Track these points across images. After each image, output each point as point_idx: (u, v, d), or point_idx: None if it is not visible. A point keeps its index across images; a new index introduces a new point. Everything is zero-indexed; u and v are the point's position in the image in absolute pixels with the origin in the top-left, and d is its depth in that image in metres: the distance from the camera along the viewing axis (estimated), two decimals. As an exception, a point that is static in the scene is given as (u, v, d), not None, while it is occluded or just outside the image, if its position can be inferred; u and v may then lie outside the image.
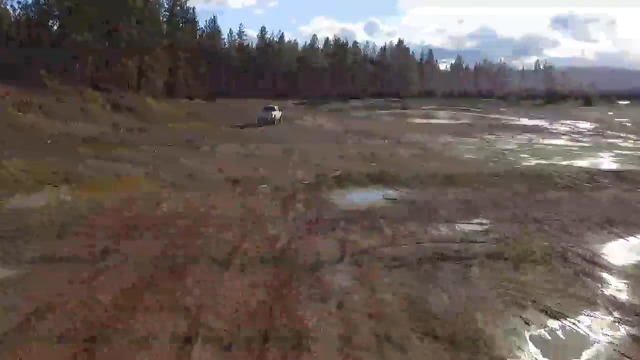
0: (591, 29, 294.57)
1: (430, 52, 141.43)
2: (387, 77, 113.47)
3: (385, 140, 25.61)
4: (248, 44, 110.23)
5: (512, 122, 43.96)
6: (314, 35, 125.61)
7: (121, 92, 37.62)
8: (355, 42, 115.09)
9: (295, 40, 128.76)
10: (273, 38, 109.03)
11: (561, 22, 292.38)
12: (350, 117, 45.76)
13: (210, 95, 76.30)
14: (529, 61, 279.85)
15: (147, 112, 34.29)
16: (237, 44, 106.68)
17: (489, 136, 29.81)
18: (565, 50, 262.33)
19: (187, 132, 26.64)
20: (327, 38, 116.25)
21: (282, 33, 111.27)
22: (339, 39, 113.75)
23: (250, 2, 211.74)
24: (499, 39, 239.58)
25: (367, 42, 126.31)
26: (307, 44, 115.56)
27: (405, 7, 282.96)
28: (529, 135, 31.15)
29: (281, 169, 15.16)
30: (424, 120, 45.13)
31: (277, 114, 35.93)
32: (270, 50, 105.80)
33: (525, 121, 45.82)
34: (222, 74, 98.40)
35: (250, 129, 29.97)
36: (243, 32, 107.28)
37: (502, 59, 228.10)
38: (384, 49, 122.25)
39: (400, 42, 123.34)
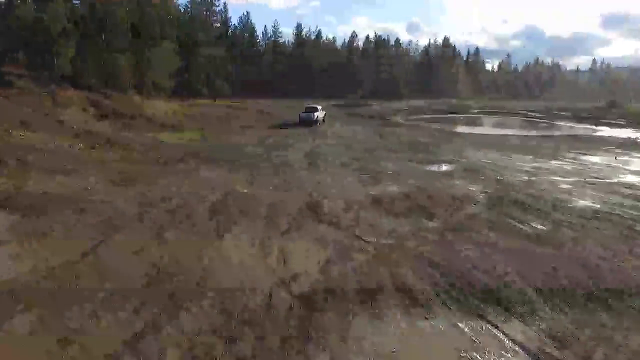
0: None
1: (477, 50, 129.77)
2: (432, 77, 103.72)
3: (451, 165, 17.31)
4: (284, 42, 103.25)
5: (596, 134, 34.27)
6: (354, 31, 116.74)
7: (108, 91, 30.81)
8: (397, 40, 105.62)
9: (333, 37, 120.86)
10: (309, 35, 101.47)
11: (613, 20, 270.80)
12: (394, 125, 37.30)
13: (237, 96, 69.85)
14: (578, 61, 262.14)
15: (132, 117, 27.25)
16: (272, 43, 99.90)
17: (589, 158, 20.66)
18: (618, 49, 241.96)
19: (167, 149, 19.29)
20: (368, 35, 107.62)
21: (320, 29, 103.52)
22: (379, 36, 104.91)
23: (292, 3, 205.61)
24: (546, 39, 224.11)
25: (410, 41, 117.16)
26: (346, 41, 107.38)
27: (448, 7, 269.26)
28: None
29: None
30: (484, 131, 36.15)
31: (319, 114, 34.08)
32: (306, 49, 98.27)
33: (610, 131, 36.12)
34: (254, 73, 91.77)
35: (255, 149, 21.14)
36: (278, 29, 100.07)
37: (554, 58, 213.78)
38: (428, 46, 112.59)
39: (447, 39, 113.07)
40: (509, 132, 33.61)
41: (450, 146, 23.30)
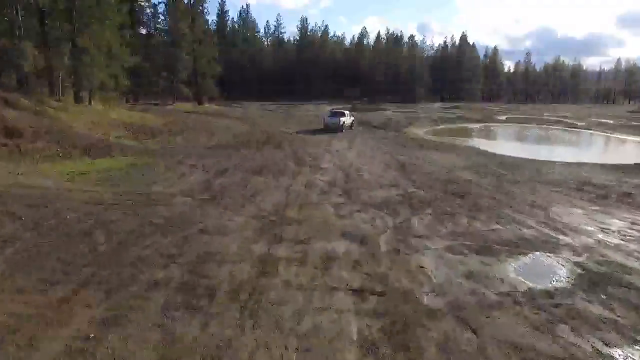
0: None
1: (495, 49, 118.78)
2: (448, 77, 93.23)
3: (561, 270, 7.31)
4: (288, 39, 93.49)
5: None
6: (363, 27, 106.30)
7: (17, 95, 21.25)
8: (412, 36, 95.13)
9: (342, 34, 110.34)
10: (315, 31, 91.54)
11: (629, 20, 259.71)
12: (417, 143, 27.28)
13: (224, 99, 60.04)
14: (590, 62, 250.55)
15: (35, 134, 17.70)
16: (274, 40, 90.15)
17: None
18: (633, 49, 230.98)
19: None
20: (379, 32, 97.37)
21: (327, 25, 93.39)
22: (392, 32, 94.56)
23: (304, 2, 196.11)
24: (559, 39, 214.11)
25: (424, 38, 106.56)
26: (356, 38, 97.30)
27: (460, 7, 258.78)
28: None
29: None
30: (550, 154, 26.08)
31: (346, 120, 30.95)
32: (312, 46, 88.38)
33: None
34: (254, 72, 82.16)
35: (172, 214, 12.53)
36: (281, 24, 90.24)
37: (575, 57, 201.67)
38: (444, 44, 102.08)
39: (464, 36, 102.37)
40: (587, 158, 23.38)
41: (523, 193, 13.36)
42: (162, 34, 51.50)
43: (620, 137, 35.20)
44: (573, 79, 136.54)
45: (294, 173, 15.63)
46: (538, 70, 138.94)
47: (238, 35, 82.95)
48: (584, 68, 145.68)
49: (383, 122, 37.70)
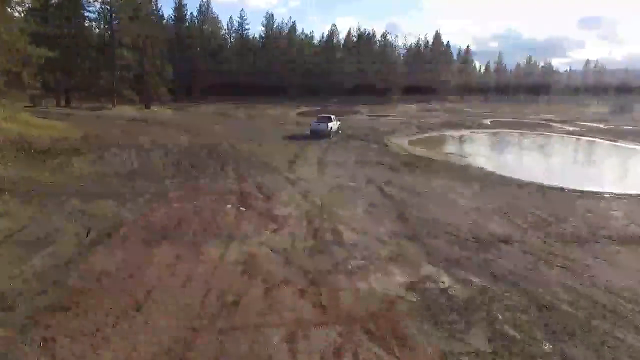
0: (620, 30, 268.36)
1: (468, 48, 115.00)
2: (423, 77, 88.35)
3: None
4: (253, 37, 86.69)
5: None
6: (333, 24, 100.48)
7: None
8: (385, 33, 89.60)
9: (311, 32, 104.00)
10: (282, 29, 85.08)
11: (589, 23, 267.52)
12: (405, 161, 21.38)
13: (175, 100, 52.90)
14: (554, 63, 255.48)
15: None
16: (238, 37, 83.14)
17: None
18: (591, 51, 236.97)
19: None
20: (350, 29, 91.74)
21: (294, 22, 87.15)
22: (364, 30, 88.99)
23: (272, 2, 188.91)
24: (523, 40, 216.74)
25: (397, 37, 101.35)
26: (325, 35, 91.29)
27: (428, 8, 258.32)
28: None
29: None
30: (575, 180, 20.75)
31: (333, 125, 28.96)
32: (278, 43, 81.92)
33: None
34: (214, 72, 75.16)
35: None
36: (245, 20, 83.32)
37: (545, 58, 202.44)
38: (418, 43, 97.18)
39: (439, 35, 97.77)
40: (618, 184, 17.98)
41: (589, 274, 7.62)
42: (100, 23, 44.19)
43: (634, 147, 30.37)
44: (545, 78, 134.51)
45: (229, 230, 9.44)
46: (509, 70, 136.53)
47: (197, 32, 75.59)
48: (554, 68, 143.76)
49: (359, 130, 31.82)
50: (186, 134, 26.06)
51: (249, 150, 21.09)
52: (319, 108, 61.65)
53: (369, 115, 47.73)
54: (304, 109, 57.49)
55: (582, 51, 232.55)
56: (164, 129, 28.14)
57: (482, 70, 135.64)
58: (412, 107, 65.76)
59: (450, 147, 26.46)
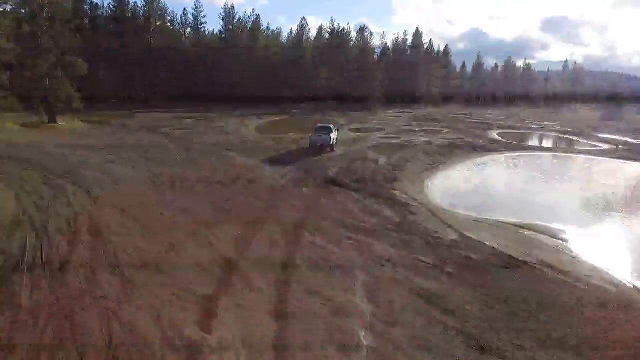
0: (582, 33, 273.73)
1: (447, 48, 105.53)
2: (404, 79, 78.09)
3: None
4: (213, 32, 74.40)
5: None
6: (303, 18, 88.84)
7: None
8: (362, 28, 78.56)
9: (278, 28, 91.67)
10: (245, 22, 73.15)
11: (552, 25, 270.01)
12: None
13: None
14: (521, 64, 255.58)
15: None
16: (192, 32, 70.65)
17: None
18: (556, 53, 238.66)
19: None
20: (321, 26, 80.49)
21: (258, 15, 75.13)
22: (338, 25, 77.92)
23: (239, 0, 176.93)
24: (491, 41, 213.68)
25: (373, 35, 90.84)
26: (294, 31, 79.80)
27: (397, 8, 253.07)
28: None
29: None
30: None
31: (334, 135, 24.92)
32: (240, 40, 69.99)
33: None
34: (165, 73, 62.74)
35: None
36: (201, 12, 70.84)
37: (525, 58, 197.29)
38: (397, 41, 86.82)
39: (419, 33, 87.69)
40: None
41: None
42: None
43: None
44: (525, 81, 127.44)
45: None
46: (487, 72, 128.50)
47: (141, 24, 62.92)
48: (532, 69, 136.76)
49: (346, 161, 20.62)
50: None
51: (145, 217, 9.58)
52: (286, 117, 50.50)
53: (351, 129, 36.64)
54: (271, 118, 45.99)
55: (547, 53, 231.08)
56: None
57: (458, 71, 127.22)
58: (399, 117, 55.00)
59: (528, 210, 15.45)
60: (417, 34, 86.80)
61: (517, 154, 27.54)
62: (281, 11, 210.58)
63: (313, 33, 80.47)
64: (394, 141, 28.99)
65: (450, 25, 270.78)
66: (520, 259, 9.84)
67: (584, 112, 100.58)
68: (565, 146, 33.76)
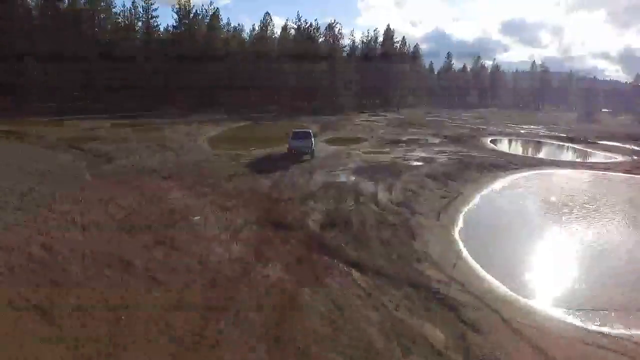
0: (540, 35, 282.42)
1: (417, 47, 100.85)
2: (377, 79, 72.38)
3: None
4: (167, 28, 66.29)
5: None
6: (267, 12, 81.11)
7: None
8: (331, 25, 72.22)
9: (240, 24, 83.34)
10: (201, 17, 65.53)
11: (512, 27, 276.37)
12: None
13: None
14: (489, 64, 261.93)
15: None
16: (142, 28, 62.43)
17: None
18: (515, 54, 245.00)
19: None
20: (286, 21, 73.64)
21: (217, 9, 67.41)
22: (305, 21, 71.34)
23: (198, 2, 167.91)
24: (454, 42, 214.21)
25: (341, 30, 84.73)
26: (257, 27, 72.69)
27: (361, 8, 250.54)
28: None
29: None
30: None
31: (313, 140, 23.60)
32: (195, 36, 62.41)
33: None
34: (107, 73, 54.49)
35: None
36: (152, 5, 62.63)
37: (495, 59, 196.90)
38: (368, 39, 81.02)
39: (391, 31, 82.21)
40: None
41: None
42: None
43: None
44: (493, 81, 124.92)
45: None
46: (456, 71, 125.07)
47: (79, 16, 54.42)
48: (500, 69, 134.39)
49: (334, 210, 14.04)
50: None
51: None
52: (248, 123, 43.69)
53: (327, 140, 30.41)
54: (231, 125, 39.08)
55: (507, 54, 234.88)
56: None
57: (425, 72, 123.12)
58: (376, 122, 49.17)
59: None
60: (388, 32, 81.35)
61: (535, 172, 21.90)
62: (242, 12, 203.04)
63: (278, 31, 73.77)
64: (383, 158, 22.85)
65: (413, 27, 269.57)
66: None
67: (556, 113, 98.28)
68: (579, 158, 28.68)
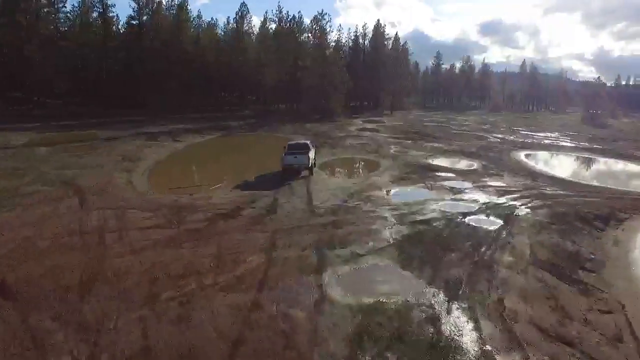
0: (517, 36, 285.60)
1: (405, 45, 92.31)
2: (369, 78, 63.89)
3: None
4: (130, 22, 56.19)
5: None
6: (243, 3, 71.30)
7: None
8: (317, 18, 63.36)
9: (214, 19, 72.98)
10: (166, 10, 55.94)
11: (490, 29, 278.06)
12: None
13: None
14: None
15: None
16: (98, 21, 52.48)
17: None
18: (493, 56, 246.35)
19: None
20: (266, 13, 64.61)
21: (185, 0, 57.65)
22: (286, 13, 62.37)
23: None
24: (432, 43, 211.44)
25: (330, 22, 75.91)
26: (232, 19, 63.19)
27: (340, 8, 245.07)
28: None
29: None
30: None
31: (312, 154, 19.92)
32: (160, 31, 52.83)
33: None
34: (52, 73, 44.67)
35: None
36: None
37: (484, 58, 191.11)
38: (356, 34, 72.49)
39: (381, 26, 73.70)
40: None
41: None
42: None
43: None
44: (486, 82, 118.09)
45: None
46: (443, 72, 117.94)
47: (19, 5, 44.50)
48: (491, 69, 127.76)
49: None
50: None
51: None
52: (219, 134, 34.77)
53: (324, 168, 21.85)
54: (194, 140, 29.99)
55: (485, 55, 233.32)
56: None
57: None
58: (375, 131, 40.73)
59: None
60: (378, 27, 72.97)
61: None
62: (223, 11, 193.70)
63: (257, 26, 64.74)
64: (425, 208, 14.15)
65: (392, 27, 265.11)
66: None
67: (552, 115, 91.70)
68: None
